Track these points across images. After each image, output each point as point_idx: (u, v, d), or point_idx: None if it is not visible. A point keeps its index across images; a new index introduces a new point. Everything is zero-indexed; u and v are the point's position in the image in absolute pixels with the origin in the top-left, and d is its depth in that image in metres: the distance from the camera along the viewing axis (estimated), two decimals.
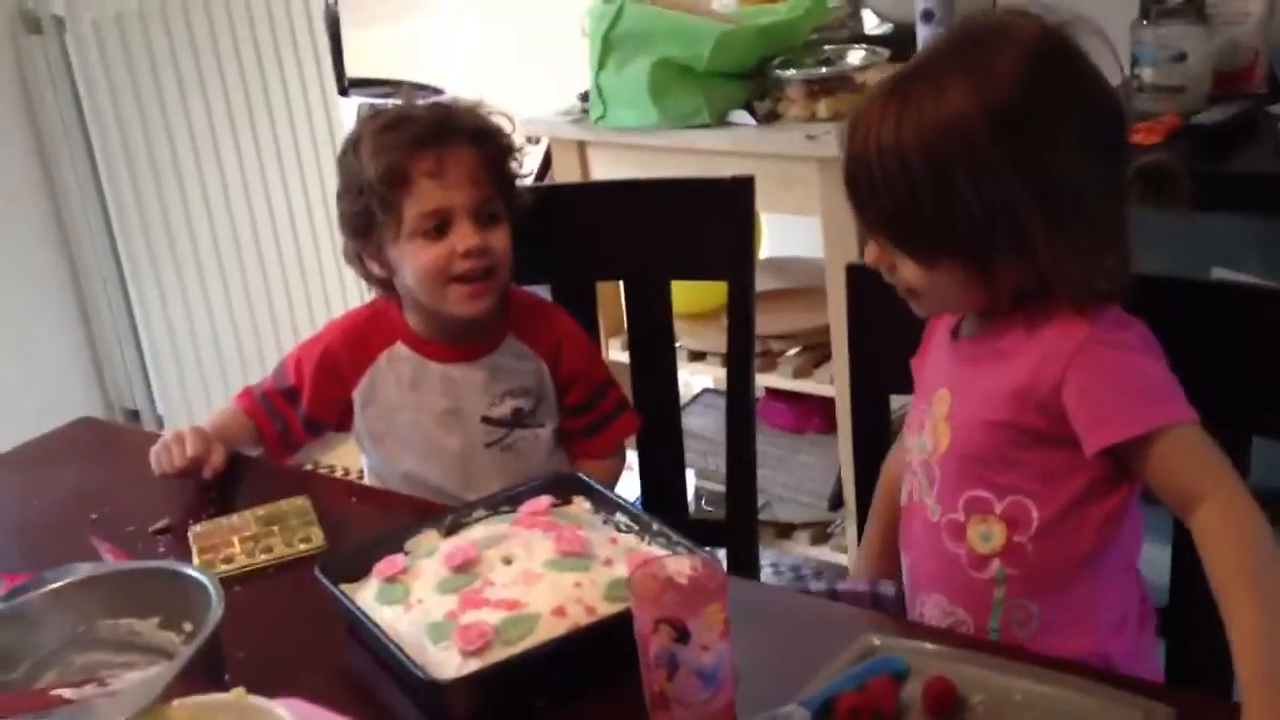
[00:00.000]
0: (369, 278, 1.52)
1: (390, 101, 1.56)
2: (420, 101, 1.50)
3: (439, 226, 1.42)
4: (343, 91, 3.14)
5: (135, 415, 2.84)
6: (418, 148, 1.41)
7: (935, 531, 1.16)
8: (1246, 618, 0.94)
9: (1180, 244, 1.66)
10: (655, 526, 1.18)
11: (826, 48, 2.24)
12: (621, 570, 1.10)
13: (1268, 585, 0.96)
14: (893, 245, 1.12)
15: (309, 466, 2.40)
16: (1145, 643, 1.18)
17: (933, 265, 1.11)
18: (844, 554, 2.29)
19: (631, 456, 1.69)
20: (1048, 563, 1.12)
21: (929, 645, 1.03)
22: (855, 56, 2.19)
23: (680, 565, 1.01)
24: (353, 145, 1.46)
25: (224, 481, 1.44)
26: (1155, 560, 1.19)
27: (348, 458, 2.63)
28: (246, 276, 2.91)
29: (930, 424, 1.18)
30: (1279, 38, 1.83)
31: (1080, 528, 1.11)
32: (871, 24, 2.44)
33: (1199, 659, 1.18)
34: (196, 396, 2.82)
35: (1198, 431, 1.05)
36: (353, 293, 2.90)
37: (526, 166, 1.55)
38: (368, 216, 1.43)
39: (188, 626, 1.08)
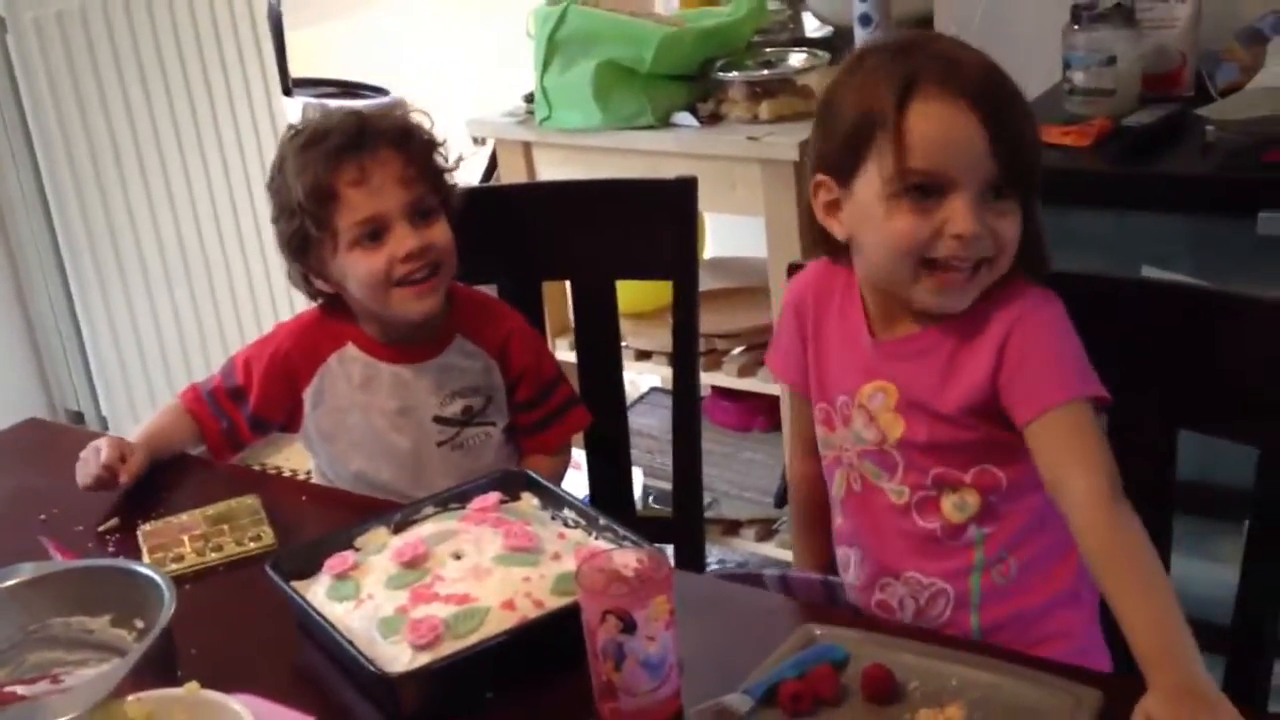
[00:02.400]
0: (314, 295, 1.52)
1: (332, 102, 1.56)
2: (333, 110, 1.49)
3: (374, 234, 1.43)
4: (286, 91, 3.13)
5: (79, 417, 2.82)
6: (339, 159, 1.42)
7: (903, 512, 1.20)
8: (1137, 600, 0.99)
9: (1111, 244, 1.72)
10: (602, 521, 1.21)
11: (768, 50, 2.27)
12: (569, 564, 1.13)
13: (1150, 569, 1.01)
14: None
15: (256, 468, 2.39)
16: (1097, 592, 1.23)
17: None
18: (789, 550, 2.33)
19: (579, 455, 1.71)
20: (1021, 514, 1.17)
21: (867, 634, 1.06)
22: (796, 59, 2.23)
23: (627, 558, 1.04)
24: (278, 167, 1.47)
25: (172, 481, 1.44)
26: None
27: (295, 459, 2.63)
28: (191, 278, 2.89)
29: (864, 415, 1.21)
30: (1206, 42, 1.88)
31: (1041, 483, 1.14)
32: (812, 27, 2.48)
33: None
34: (141, 398, 2.80)
35: (1086, 411, 1.11)
36: (298, 294, 2.88)
37: (472, 169, 1.56)
38: (303, 236, 1.44)
39: (139, 624, 1.09)
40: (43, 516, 1.38)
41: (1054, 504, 1.11)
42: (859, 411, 1.21)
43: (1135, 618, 0.98)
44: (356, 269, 1.44)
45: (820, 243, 1.24)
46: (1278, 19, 1.83)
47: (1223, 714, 0.89)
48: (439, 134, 1.51)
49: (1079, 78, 1.82)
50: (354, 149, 1.42)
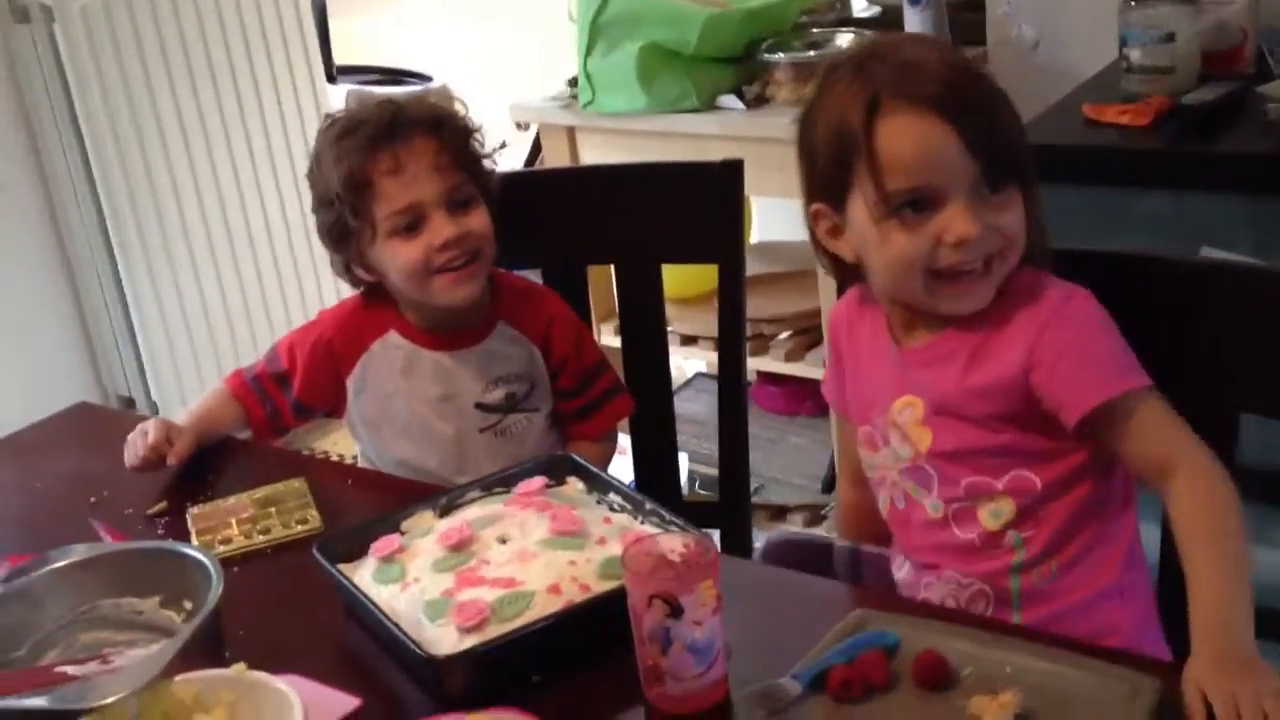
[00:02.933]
0: (357, 284, 1.52)
1: (376, 90, 1.56)
2: (368, 99, 1.49)
3: (411, 223, 1.42)
4: (331, 79, 3.14)
5: (130, 403, 2.85)
6: (374, 149, 1.41)
7: (941, 526, 1.18)
8: (1206, 570, 0.99)
9: (1170, 224, 1.69)
10: (648, 506, 1.20)
11: (814, 31, 2.25)
12: (615, 549, 1.12)
13: (1228, 546, 1.00)
14: (1000, 186, 1.11)
15: (305, 453, 2.41)
16: (1149, 582, 1.21)
17: (1019, 192, 1.12)
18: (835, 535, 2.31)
19: (624, 441, 1.70)
20: (1057, 516, 1.14)
21: (920, 619, 1.04)
22: (843, 40, 2.20)
23: (673, 542, 1.02)
24: (316, 159, 1.47)
25: (219, 465, 1.45)
26: (1143, 538, 1.21)
27: (342, 444, 2.64)
28: (239, 264, 2.91)
29: (898, 433, 1.20)
30: (1267, 18, 1.84)
31: (1081, 481, 1.14)
32: (859, 7, 2.45)
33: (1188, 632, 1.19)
34: (190, 383, 2.82)
35: (1160, 398, 1.10)
36: (345, 281, 2.90)
37: (515, 154, 1.56)
38: (342, 226, 1.44)
39: (188, 605, 1.10)
40: (93, 499, 1.39)
41: (1104, 515, 1.11)
42: (893, 429, 1.20)
43: (1199, 586, 0.98)
44: (395, 259, 1.43)
45: (833, 269, 1.24)
46: None
47: (1269, 683, 0.88)
48: (475, 120, 1.50)
49: (1136, 55, 1.78)
50: (388, 138, 1.42)
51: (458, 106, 1.50)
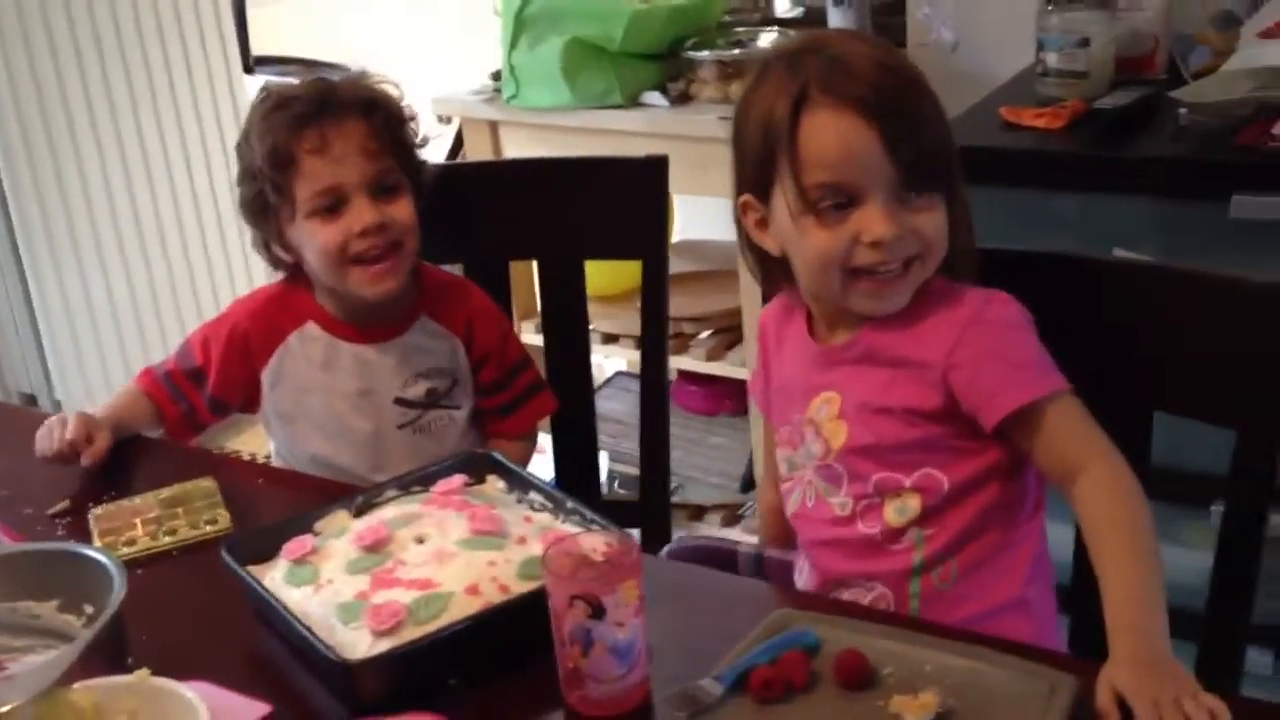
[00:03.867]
0: (276, 263, 1.49)
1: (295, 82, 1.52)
2: (307, 77, 1.46)
3: (331, 205, 1.39)
4: (248, 69, 3.08)
5: (32, 400, 2.77)
6: (301, 126, 1.38)
7: (846, 523, 1.18)
8: (1119, 572, 0.99)
9: (1083, 226, 1.71)
10: (569, 505, 1.18)
11: (739, 29, 2.26)
12: (536, 549, 1.10)
13: (1140, 545, 1.01)
14: (921, 189, 1.11)
15: (215, 452, 2.35)
16: (1053, 594, 1.22)
17: (942, 196, 1.13)
18: (755, 536, 2.31)
19: (544, 439, 1.68)
20: (961, 516, 1.15)
21: (841, 619, 1.04)
22: (767, 39, 2.21)
23: (595, 542, 1.01)
24: (245, 131, 1.44)
25: (126, 463, 1.40)
26: (1056, 539, 1.22)
27: (253, 442, 2.58)
28: (148, 258, 2.84)
29: (814, 430, 1.20)
30: (1179, 25, 1.88)
31: (988, 483, 1.15)
32: (783, 6, 2.46)
33: (1102, 634, 1.21)
34: (96, 380, 2.75)
35: (1076, 401, 1.10)
36: (258, 276, 2.85)
37: (437, 147, 1.53)
38: (263, 201, 1.41)
39: (89, 609, 1.06)
40: None
41: (1010, 522, 1.12)
42: (809, 426, 1.20)
43: (1113, 587, 0.98)
44: (313, 240, 1.40)
45: (758, 264, 1.23)
46: (1251, 2, 1.83)
47: (1186, 685, 0.89)
48: (411, 108, 1.47)
49: (1052, 59, 1.81)
50: (316, 116, 1.38)
51: (392, 91, 1.46)
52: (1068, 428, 1.09)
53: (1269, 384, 1.12)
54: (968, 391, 1.11)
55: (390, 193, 1.42)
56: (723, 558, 1.32)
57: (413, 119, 1.47)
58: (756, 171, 1.15)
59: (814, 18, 2.29)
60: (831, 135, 1.10)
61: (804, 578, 1.24)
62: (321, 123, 1.38)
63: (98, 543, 1.24)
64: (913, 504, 1.15)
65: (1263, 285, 1.12)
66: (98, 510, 1.30)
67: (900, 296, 1.15)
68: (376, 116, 1.41)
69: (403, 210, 1.42)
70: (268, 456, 1.61)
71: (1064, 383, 1.10)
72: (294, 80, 1.46)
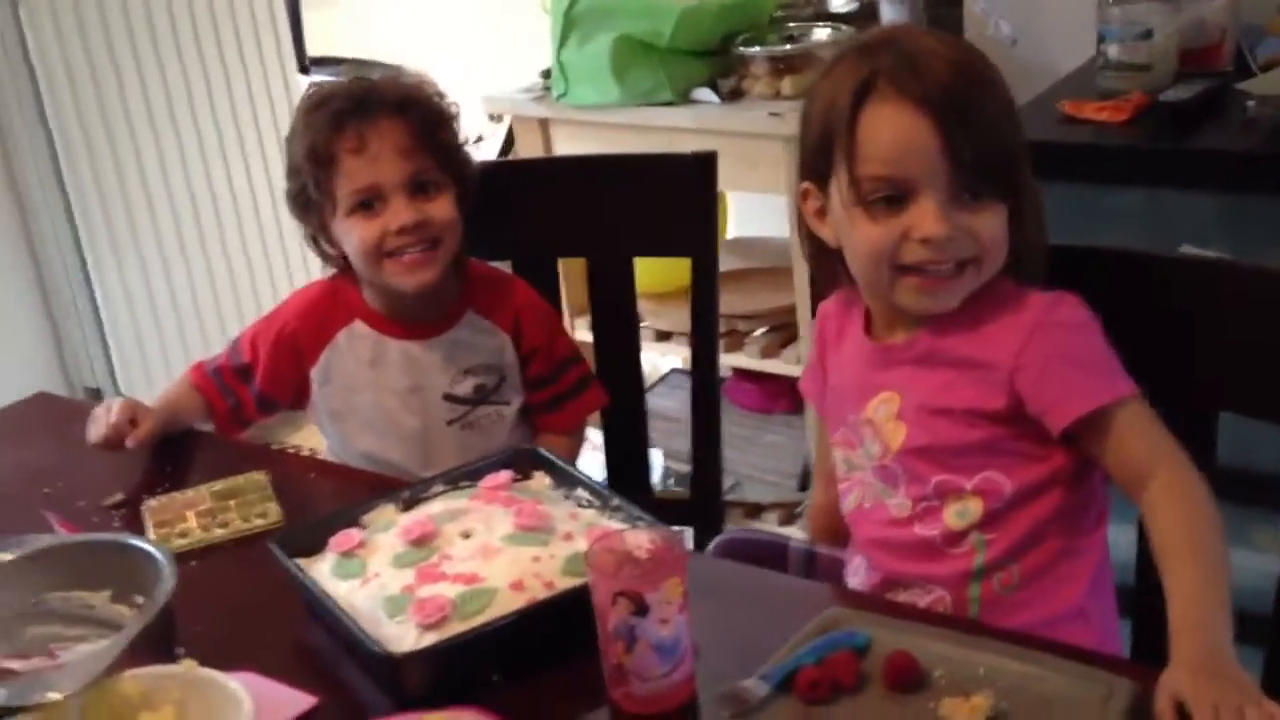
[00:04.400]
0: (325, 257, 1.50)
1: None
2: (351, 75, 1.47)
3: (368, 203, 1.40)
4: (303, 69, 3.11)
5: (97, 394, 2.81)
6: (340, 125, 1.39)
7: (904, 524, 1.16)
8: (1183, 574, 0.97)
9: (1148, 221, 1.67)
10: (616, 502, 1.17)
11: (791, 25, 2.23)
12: (581, 545, 1.09)
13: (1207, 548, 0.99)
14: (978, 191, 1.09)
15: (275, 448, 2.37)
16: (1114, 607, 1.19)
17: (1003, 201, 1.10)
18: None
19: (596, 436, 1.68)
20: (1024, 521, 1.12)
21: (891, 619, 1.02)
22: (820, 34, 2.18)
23: (639, 539, 1.00)
24: (292, 128, 1.46)
25: (179, 456, 1.42)
26: (1120, 542, 1.19)
27: (312, 439, 2.60)
28: (208, 254, 2.87)
29: (872, 430, 1.18)
30: (1246, 15, 1.83)
31: (1051, 489, 1.12)
32: (836, 2, 2.43)
33: (1163, 638, 1.18)
34: (158, 375, 2.78)
35: (1145, 406, 1.08)
36: (315, 270, 2.86)
37: (490, 146, 1.53)
38: (306, 197, 1.43)
39: (139, 599, 1.06)
40: (47, 490, 1.36)
41: (1073, 530, 1.10)
42: (867, 426, 1.19)
43: (1175, 590, 0.96)
44: (351, 236, 1.41)
45: (814, 254, 1.22)
46: None
47: (1248, 691, 0.87)
48: (453, 107, 1.47)
49: (1114, 51, 1.77)
50: (354, 115, 1.39)
51: (431, 89, 1.46)
52: (1136, 433, 1.07)
53: None
54: (1035, 394, 1.09)
55: (427, 190, 1.42)
56: (773, 551, 1.30)
57: (453, 118, 1.47)
58: (816, 159, 1.14)
59: (867, 12, 2.26)
60: (890, 128, 1.09)
61: (860, 577, 1.23)
62: (359, 122, 1.39)
63: (151, 534, 1.25)
64: (974, 507, 1.13)
65: None
66: (151, 502, 1.32)
67: (951, 297, 1.13)
68: (413, 115, 1.42)
69: (440, 208, 1.42)
70: (323, 452, 1.62)
71: (1133, 387, 1.08)
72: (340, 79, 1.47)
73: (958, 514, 1.14)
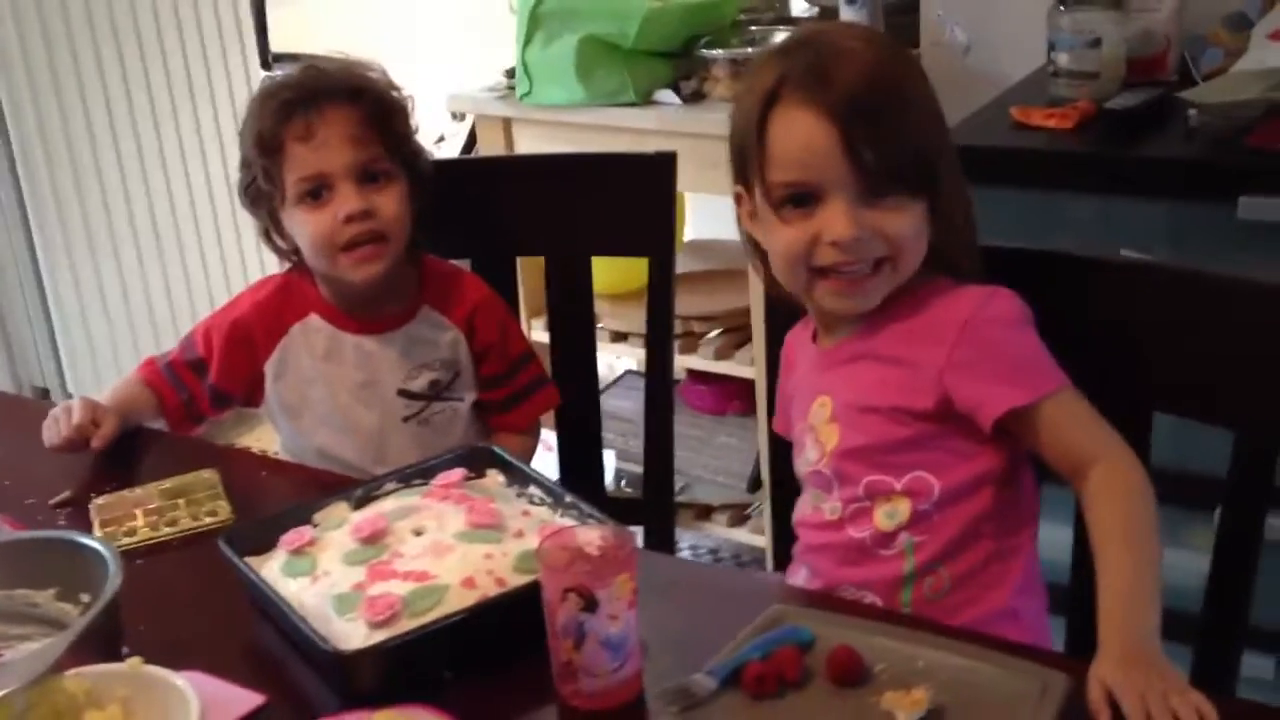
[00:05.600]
0: (279, 252, 1.50)
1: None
2: (304, 64, 1.46)
3: (316, 191, 1.39)
4: (266, 66, 3.09)
5: (45, 393, 2.78)
6: (288, 114, 1.39)
7: (837, 528, 1.17)
8: (1116, 565, 0.99)
9: (1093, 226, 1.70)
10: (568, 499, 1.18)
11: (753, 28, 2.25)
12: (533, 542, 1.09)
13: (1140, 540, 1.01)
14: (887, 191, 1.10)
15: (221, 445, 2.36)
16: (1044, 606, 1.21)
17: (916, 199, 1.11)
18: (762, 536, 2.31)
19: (551, 436, 1.68)
20: (953, 523, 1.13)
21: (835, 615, 1.03)
22: (780, 37, 2.19)
23: (590, 535, 1.01)
24: (243, 119, 1.45)
25: (129, 454, 1.41)
26: (1055, 540, 1.21)
27: (265, 438, 2.59)
28: (162, 253, 2.85)
29: (813, 436, 1.20)
30: (1190, 25, 1.86)
31: (980, 490, 1.14)
32: (798, 6, 2.45)
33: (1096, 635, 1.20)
34: (108, 374, 2.75)
35: (1077, 396, 1.10)
36: (271, 269, 2.84)
37: (452, 145, 1.53)
38: (256, 188, 1.43)
39: (85, 598, 1.06)
40: None
41: (1001, 532, 1.12)
42: (809, 433, 1.20)
43: (1109, 580, 0.98)
44: (303, 228, 1.41)
45: (755, 256, 1.23)
46: (1263, 3, 1.81)
47: (1173, 680, 0.89)
48: (407, 99, 1.47)
49: (1063, 60, 1.80)
50: (303, 103, 1.39)
51: (383, 79, 1.46)
52: (1070, 424, 1.09)
53: (1267, 384, 1.11)
54: (965, 391, 1.10)
55: (377, 180, 1.41)
56: None
57: (406, 108, 1.46)
58: (740, 163, 1.16)
59: (828, 16, 2.29)
60: (794, 134, 1.10)
61: (799, 583, 1.24)
62: (307, 110, 1.39)
63: (98, 532, 1.24)
64: (903, 508, 1.14)
65: (1262, 285, 1.11)
66: (99, 500, 1.31)
67: (868, 298, 1.14)
68: (363, 103, 1.41)
69: (389, 200, 1.42)
70: (277, 452, 1.61)
71: (1063, 379, 1.10)
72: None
73: (887, 515, 1.15)
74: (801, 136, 1.10)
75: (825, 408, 1.19)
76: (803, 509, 1.22)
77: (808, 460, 1.20)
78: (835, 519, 1.18)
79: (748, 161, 1.14)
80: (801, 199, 1.11)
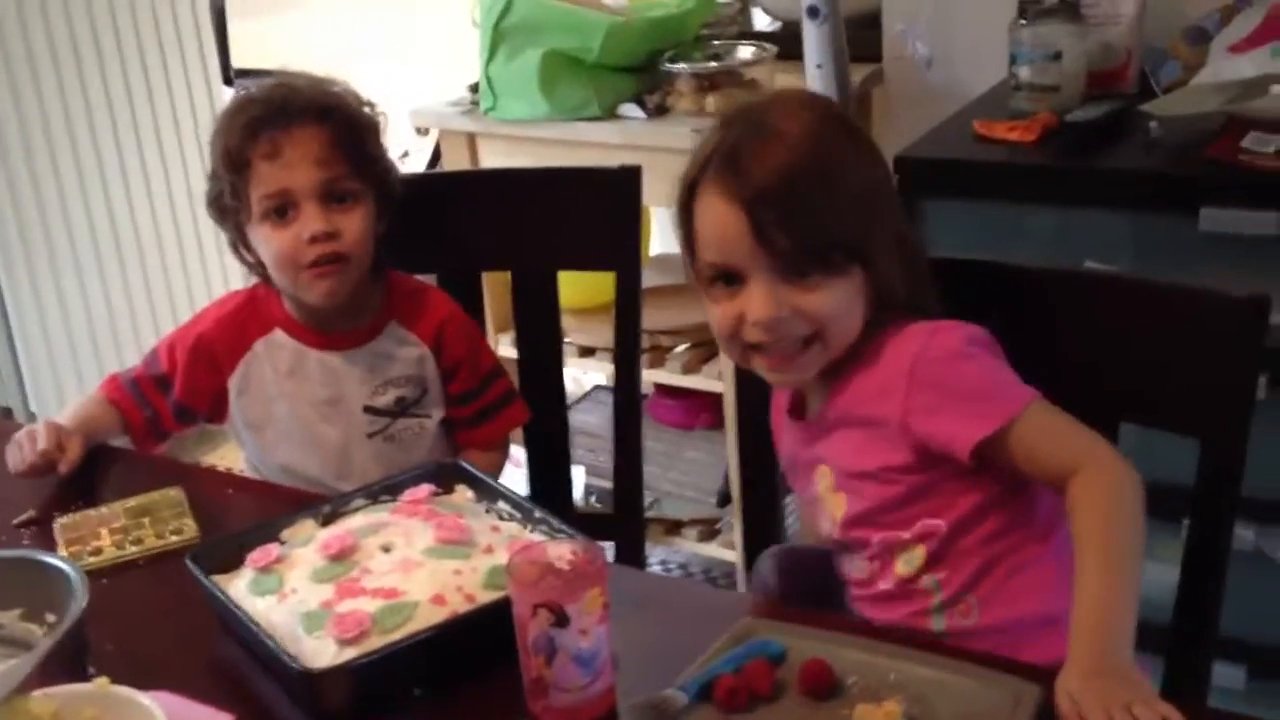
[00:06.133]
0: (246, 264, 1.49)
1: None
2: (274, 79, 1.46)
3: (281, 209, 1.39)
4: (228, 81, 3.07)
5: (7, 413, 2.74)
6: (254, 131, 1.38)
7: (869, 584, 1.18)
8: (1091, 575, 0.99)
9: (1054, 239, 1.72)
10: (538, 514, 1.18)
11: (716, 43, 2.26)
12: (502, 558, 1.09)
13: (1117, 549, 1.01)
14: (807, 273, 1.10)
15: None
16: None
17: (843, 274, 1.11)
18: (731, 550, 2.30)
19: (519, 452, 1.68)
20: (969, 553, 1.13)
21: (806, 629, 1.03)
22: (744, 52, 2.21)
23: (560, 550, 1.00)
24: (214, 131, 1.45)
25: (93, 473, 1.39)
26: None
27: (229, 457, 2.57)
28: (125, 270, 2.82)
29: (822, 506, 1.21)
30: (1150, 38, 1.89)
31: (987, 515, 1.13)
32: (761, 20, 2.46)
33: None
34: (71, 393, 2.72)
35: (1045, 406, 1.10)
36: (235, 285, 2.83)
37: (417, 160, 1.53)
38: (222, 202, 1.42)
39: (51, 618, 1.04)
40: None
41: (1025, 540, 1.12)
42: (819, 504, 1.21)
43: (1083, 589, 0.98)
44: (268, 245, 1.41)
45: None
46: (1221, 17, 1.84)
47: (1139, 690, 0.89)
48: (378, 117, 1.47)
49: (1025, 73, 1.81)
50: (271, 121, 1.39)
51: (354, 97, 1.45)
52: (1044, 439, 1.08)
53: (1231, 394, 1.12)
54: (933, 434, 1.10)
55: (344, 200, 1.41)
56: (827, 560, 1.28)
57: (376, 127, 1.46)
58: (684, 238, 1.17)
59: (790, 31, 2.30)
60: (710, 219, 1.12)
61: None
62: (274, 128, 1.38)
63: (63, 552, 1.23)
64: (918, 554, 1.14)
65: (1228, 296, 1.12)
66: (63, 520, 1.29)
67: (802, 371, 1.15)
68: (332, 123, 1.40)
69: (353, 222, 1.41)
70: (242, 470, 1.60)
71: (1026, 397, 1.09)
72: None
73: (905, 562, 1.15)
74: (716, 221, 1.11)
75: (826, 478, 1.19)
76: (840, 565, 1.23)
77: (826, 530, 1.21)
78: (864, 577, 1.19)
79: (682, 237, 1.16)
80: (728, 278, 1.12)
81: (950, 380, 1.10)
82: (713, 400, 2.35)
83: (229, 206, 1.41)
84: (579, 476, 2.37)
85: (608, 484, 2.25)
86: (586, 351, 2.37)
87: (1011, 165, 1.70)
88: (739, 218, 1.09)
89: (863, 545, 1.17)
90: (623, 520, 1.67)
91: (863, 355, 1.15)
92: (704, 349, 2.31)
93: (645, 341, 1.89)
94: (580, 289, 2.13)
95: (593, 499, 2.43)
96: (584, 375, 2.66)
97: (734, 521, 2.28)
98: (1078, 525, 1.04)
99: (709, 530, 2.38)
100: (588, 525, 1.35)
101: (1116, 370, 1.19)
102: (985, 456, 1.09)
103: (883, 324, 1.15)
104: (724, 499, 2.35)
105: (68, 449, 1.36)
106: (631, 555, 1.67)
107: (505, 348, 2.18)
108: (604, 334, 2.25)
